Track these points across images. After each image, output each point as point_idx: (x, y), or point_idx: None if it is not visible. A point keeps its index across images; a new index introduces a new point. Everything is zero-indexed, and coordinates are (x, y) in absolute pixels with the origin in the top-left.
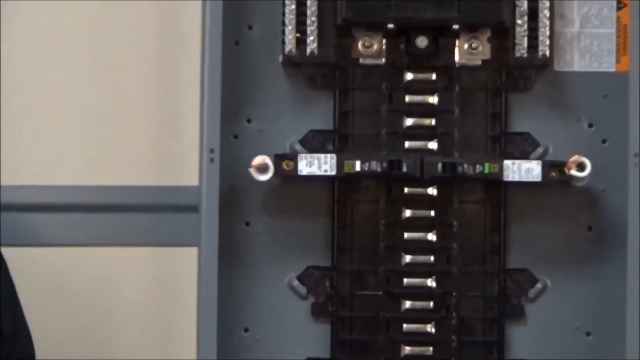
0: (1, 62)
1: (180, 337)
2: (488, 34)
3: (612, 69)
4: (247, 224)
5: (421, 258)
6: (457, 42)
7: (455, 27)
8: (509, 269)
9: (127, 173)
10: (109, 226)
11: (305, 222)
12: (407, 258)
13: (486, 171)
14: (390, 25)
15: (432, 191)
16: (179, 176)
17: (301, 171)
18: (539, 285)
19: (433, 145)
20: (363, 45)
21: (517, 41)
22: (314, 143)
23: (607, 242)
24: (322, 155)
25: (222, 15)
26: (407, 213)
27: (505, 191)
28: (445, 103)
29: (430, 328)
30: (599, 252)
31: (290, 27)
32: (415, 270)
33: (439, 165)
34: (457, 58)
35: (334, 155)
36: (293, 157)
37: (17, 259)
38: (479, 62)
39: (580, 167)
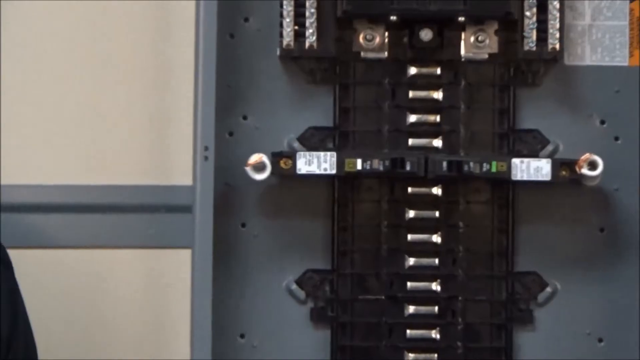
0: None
1: (174, 344)
2: (495, 26)
3: (625, 63)
4: (243, 225)
5: (425, 261)
6: (462, 35)
7: (461, 19)
8: (518, 272)
9: (117, 172)
10: (97, 227)
11: (304, 223)
12: (411, 261)
13: (493, 170)
14: (393, 17)
15: (436, 191)
16: (172, 175)
17: (300, 170)
18: (548, 289)
19: (438, 142)
20: (364, 38)
21: (525, 34)
22: (313, 140)
23: (620, 244)
24: (322, 154)
25: (216, 7)
26: (411, 214)
27: (513, 191)
28: (450, 99)
29: (435, 334)
30: (612, 255)
31: (288, 20)
32: (419, 273)
33: (444, 164)
34: (462, 52)
35: (334, 154)
36: (291, 156)
37: None
38: (486, 56)
39: (592, 165)
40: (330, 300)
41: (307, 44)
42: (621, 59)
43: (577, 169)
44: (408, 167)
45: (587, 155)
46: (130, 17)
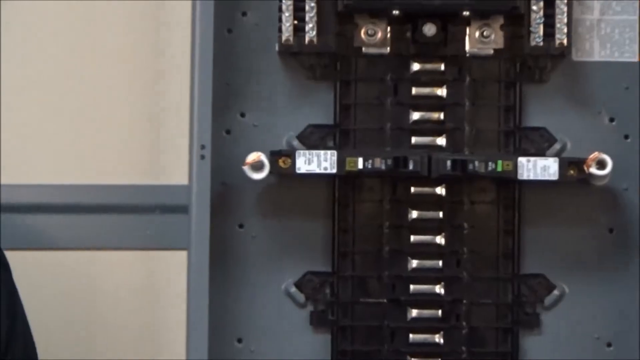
0: None
1: (170, 348)
2: (501, 21)
3: (635, 59)
4: (241, 226)
5: (429, 263)
6: (467, 30)
7: (466, 13)
8: (524, 274)
9: (110, 171)
10: (90, 229)
11: (303, 224)
12: (414, 263)
13: (499, 169)
14: (396, 12)
15: (440, 191)
16: (167, 174)
17: (299, 169)
18: (555, 292)
19: (441, 141)
20: (366, 33)
21: (532, 29)
22: (312, 139)
23: (629, 245)
24: (322, 152)
25: (214, 1)
26: (414, 214)
27: (519, 191)
28: (454, 95)
29: (438, 338)
30: (621, 256)
31: (287, 14)
32: (422, 275)
33: (448, 163)
34: (467, 47)
35: (335, 152)
36: (290, 154)
37: None
38: (491, 52)
39: (601, 164)
40: (330, 304)
41: (306, 39)
42: (631, 54)
43: (586, 168)
44: (411, 166)
45: (595, 154)
46: (125, 12)
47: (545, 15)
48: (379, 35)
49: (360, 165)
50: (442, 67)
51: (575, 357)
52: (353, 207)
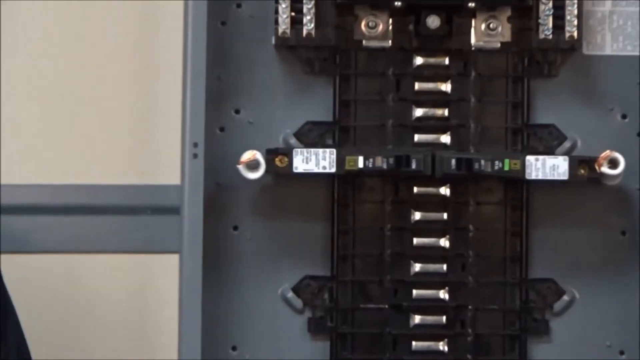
0: None
1: (161, 356)
2: (508, 13)
3: None
4: (235, 228)
5: (432, 267)
6: (473, 22)
7: (471, 5)
8: (532, 279)
9: (99, 170)
10: (77, 231)
11: (301, 226)
12: (417, 267)
13: (506, 168)
14: (398, 3)
15: (444, 191)
16: (158, 174)
17: (296, 168)
18: (565, 298)
19: (446, 138)
20: (367, 25)
21: (541, 21)
22: (311, 136)
23: None
24: (321, 150)
25: None
26: (417, 216)
27: (527, 191)
28: (459, 91)
29: (442, 346)
30: (634, 260)
31: (284, 5)
32: (426, 280)
33: (453, 162)
34: (473, 40)
35: (334, 150)
36: (287, 153)
37: None
38: (498, 45)
39: (613, 163)
40: (329, 310)
41: (304, 32)
42: None
43: (597, 167)
44: (414, 165)
45: (607, 153)
46: (115, 5)
47: (554, 6)
48: (380, 27)
49: (360, 164)
50: (447, 61)
51: None
52: (353, 208)
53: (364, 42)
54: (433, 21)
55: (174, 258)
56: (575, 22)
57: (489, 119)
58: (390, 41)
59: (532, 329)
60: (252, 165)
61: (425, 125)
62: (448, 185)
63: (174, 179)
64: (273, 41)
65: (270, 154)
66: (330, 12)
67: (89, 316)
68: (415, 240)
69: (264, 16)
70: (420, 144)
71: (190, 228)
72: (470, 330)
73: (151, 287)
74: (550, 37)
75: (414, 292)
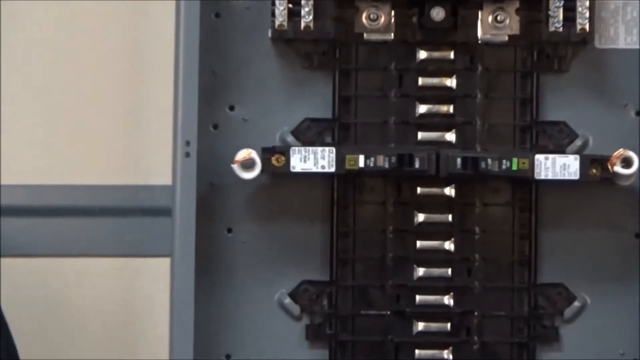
0: None
1: None
2: (516, 4)
3: None
4: (230, 230)
5: (436, 271)
6: (479, 14)
7: None
8: (541, 284)
9: (87, 170)
10: (62, 233)
11: (298, 228)
12: (420, 271)
13: (514, 167)
14: None
15: (449, 191)
16: (149, 174)
17: (294, 167)
18: (576, 304)
19: (451, 136)
20: (368, 17)
21: (551, 13)
22: (309, 134)
23: None
24: (319, 149)
25: None
26: (420, 217)
27: (536, 191)
28: (465, 87)
29: (447, 354)
30: None
31: None
32: (430, 285)
33: (458, 161)
34: (479, 33)
35: (333, 149)
36: (284, 151)
37: None
38: (506, 38)
39: (626, 162)
40: (328, 316)
41: (302, 24)
42: None
43: (610, 167)
44: (417, 165)
45: (620, 151)
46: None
47: None
48: (382, 20)
49: (361, 164)
50: (452, 55)
51: None
52: (353, 210)
53: (365, 35)
54: (438, 13)
55: (165, 262)
56: (587, 14)
57: (496, 115)
58: (392, 34)
59: (541, 337)
60: (248, 165)
61: (429, 122)
62: (453, 185)
63: (165, 179)
64: (270, 34)
65: (266, 153)
66: (330, 4)
67: (75, 322)
68: (419, 243)
69: (260, 8)
70: (424, 142)
71: (182, 230)
72: (476, 338)
73: (141, 293)
74: (561, 29)
75: (417, 297)
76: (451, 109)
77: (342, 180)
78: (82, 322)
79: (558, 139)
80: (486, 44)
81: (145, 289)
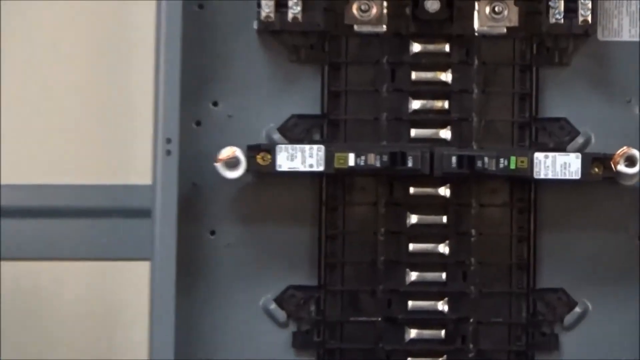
0: None
1: None
2: None
3: None
4: (213, 232)
5: (430, 275)
6: (476, 5)
7: None
8: (540, 289)
9: (62, 169)
10: (37, 235)
11: (285, 231)
12: (413, 275)
13: (512, 166)
14: None
15: (444, 192)
16: (128, 173)
17: (280, 166)
18: (577, 310)
19: (446, 134)
20: (359, 9)
21: (551, 4)
22: (296, 131)
23: None
24: (307, 147)
25: None
26: (413, 219)
27: (535, 192)
28: (461, 81)
29: None
30: None
31: None
32: (423, 290)
33: (453, 159)
34: (476, 25)
35: (322, 147)
36: (270, 149)
37: None
38: (504, 30)
39: (630, 161)
40: (316, 323)
41: (290, 16)
42: None
43: (613, 166)
44: (410, 163)
45: (624, 149)
46: None
47: None
48: (374, 11)
49: (351, 162)
50: (447, 48)
51: None
52: (343, 211)
53: (355, 27)
54: (432, 4)
55: (145, 266)
56: (590, 5)
57: (494, 112)
58: (384, 26)
59: (540, 344)
60: (232, 163)
61: (423, 118)
62: (448, 185)
63: (145, 178)
64: (255, 26)
65: (251, 151)
66: None
67: (50, 328)
68: (412, 246)
69: None
70: (418, 140)
71: (163, 232)
72: (471, 346)
73: (119, 298)
74: (562, 21)
75: (410, 303)
76: (446, 104)
77: (331, 180)
78: (56, 326)
79: (558, 137)
80: (483, 37)
81: (124, 293)
